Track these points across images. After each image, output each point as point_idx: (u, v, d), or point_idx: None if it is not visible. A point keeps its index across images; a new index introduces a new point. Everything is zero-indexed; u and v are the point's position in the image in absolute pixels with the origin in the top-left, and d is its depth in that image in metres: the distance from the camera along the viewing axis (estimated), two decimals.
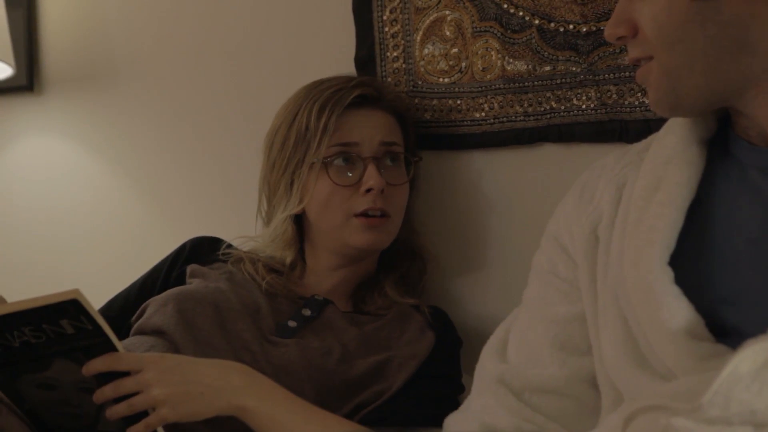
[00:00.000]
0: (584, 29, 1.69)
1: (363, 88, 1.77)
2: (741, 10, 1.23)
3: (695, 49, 1.23)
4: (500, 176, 1.82)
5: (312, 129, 1.73)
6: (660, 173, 1.34)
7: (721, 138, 1.36)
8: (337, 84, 1.77)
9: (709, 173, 1.33)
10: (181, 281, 1.78)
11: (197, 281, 1.75)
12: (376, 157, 1.74)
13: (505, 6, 1.77)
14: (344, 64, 1.92)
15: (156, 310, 1.68)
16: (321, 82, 1.79)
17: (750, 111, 1.27)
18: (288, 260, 1.78)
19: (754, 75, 1.24)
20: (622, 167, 1.41)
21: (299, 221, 1.80)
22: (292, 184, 1.76)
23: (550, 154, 1.76)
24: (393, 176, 1.76)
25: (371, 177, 1.72)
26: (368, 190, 1.72)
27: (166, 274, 1.81)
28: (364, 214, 1.72)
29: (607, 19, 1.65)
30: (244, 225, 1.87)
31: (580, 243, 1.40)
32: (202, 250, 1.83)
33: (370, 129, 1.75)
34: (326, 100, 1.74)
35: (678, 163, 1.33)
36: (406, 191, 1.79)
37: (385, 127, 1.77)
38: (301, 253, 1.81)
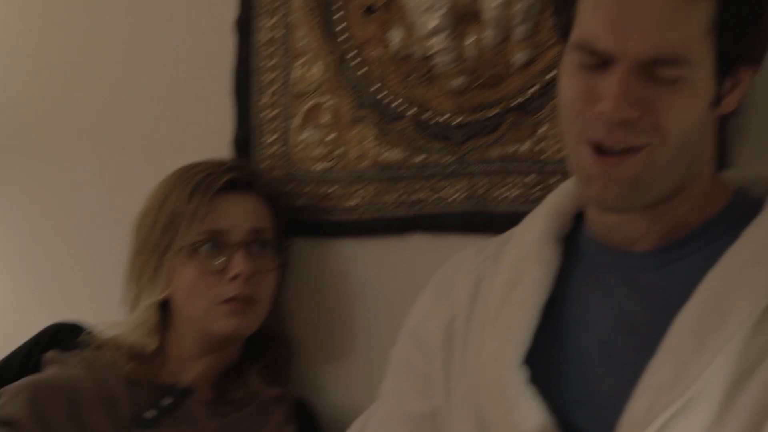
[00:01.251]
0: (457, 121, 1.70)
1: (235, 172, 1.75)
2: (710, 123, 1.26)
3: (686, 150, 1.24)
4: (370, 264, 1.81)
5: (181, 213, 1.71)
6: (517, 270, 1.34)
7: (577, 235, 1.37)
8: (209, 168, 1.75)
9: (565, 271, 1.35)
10: (37, 369, 1.73)
11: (54, 369, 1.71)
12: (245, 243, 1.72)
13: (382, 95, 1.78)
14: (221, 147, 1.91)
15: (8, 400, 1.63)
16: (193, 165, 1.77)
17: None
18: (151, 347, 1.75)
19: (686, 185, 1.26)
20: (480, 261, 1.42)
21: (165, 307, 1.76)
22: (158, 269, 1.73)
23: (420, 243, 1.76)
24: (262, 262, 1.74)
25: (239, 263, 1.70)
26: (235, 277, 1.70)
27: (23, 361, 1.77)
28: (230, 300, 1.70)
29: (480, 111, 1.67)
30: (108, 310, 1.82)
31: (437, 338, 1.41)
32: (62, 336, 1.79)
33: (240, 215, 1.74)
34: (197, 184, 1.72)
35: (534, 261, 1.34)
36: (274, 278, 1.77)
37: (256, 213, 1.75)
38: (165, 340, 1.77)
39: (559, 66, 1.27)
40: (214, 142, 1.92)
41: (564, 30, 1.27)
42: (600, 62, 1.21)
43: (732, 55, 1.21)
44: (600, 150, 1.22)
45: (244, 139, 1.92)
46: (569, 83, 1.24)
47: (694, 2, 1.18)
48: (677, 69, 1.19)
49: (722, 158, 1.42)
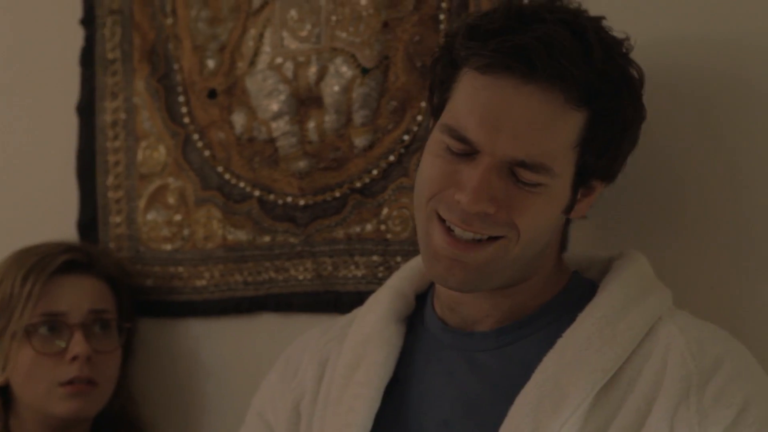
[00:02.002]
0: (302, 202, 1.74)
1: (71, 253, 1.77)
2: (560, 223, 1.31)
3: (535, 248, 1.28)
4: (219, 344, 1.82)
5: (16, 296, 1.71)
6: (360, 352, 1.37)
7: (420, 315, 1.41)
8: (44, 250, 1.77)
9: (408, 351, 1.38)
10: None
11: None
12: (84, 324, 1.73)
13: (227, 177, 1.81)
14: (66, 230, 1.90)
15: None
16: (29, 248, 1.78)
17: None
18: None
19: (529, 276, 1.31)
20: (325, 342, 1.44)
21: (5, 393, 1.75)
22: None
23: (268, 323, 1.78)
24: (102, 343, 1.75)
25: (77, 345, 1.71)
26: (74, 358, 1.70)
27: None
28: (70, 382, 1.69)
29: (324, 193, 1.71)
30: None
31: (282, 419, 1.42)
32: None
33: (78, 296, 1.75)
34: (31, 267, 1.73)
35: (377, 342, 1.37)
36: (116, 359, 1.78)
37: (94, 294, 1.77)
38: (7, 426, 1.76)
39: (427, 142, 1.30)
40: (61, 225, 1.92)
41: (436, 109, 1.30)
42: (466, 151, 1.24)
43: (591, 169, 1.27)
44: (452, 232, 1.25)
45: (90, 220, 1.92)
46: (432, 162, 1.27)
47: (565, 116, 1.23)
48: (540, 176, 1.23)
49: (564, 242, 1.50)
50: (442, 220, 1.26)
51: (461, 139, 1.24)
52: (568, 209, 1.29)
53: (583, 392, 1.21)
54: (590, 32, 1.24)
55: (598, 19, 1.29)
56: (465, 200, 1.22)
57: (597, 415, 1.21)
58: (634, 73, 1.29)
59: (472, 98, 1.24)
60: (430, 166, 1.27)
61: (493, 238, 1.25)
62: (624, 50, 1.29)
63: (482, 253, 1.25)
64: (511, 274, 1.29)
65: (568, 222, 1.36)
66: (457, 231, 1.25)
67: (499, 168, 1.23)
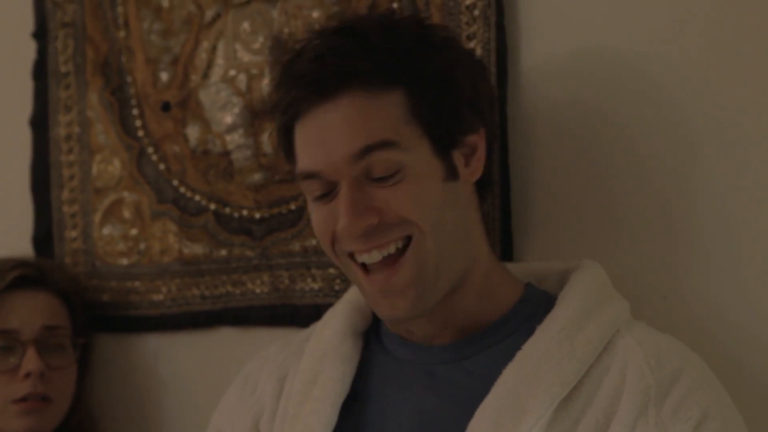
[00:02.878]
0: (257, 215, 1.74)
1: (22, 269, 1.76)
2: (468, 196, 1.32)
3: (446, 232, 1.27)
4: (177, 359, 1.82)
5: None
6: (317, 368, 1.37)
7: (376, 328, 1.41)
8: None
9: (365, 366, 1.38)
10: None
11: None
12: (37, 340, 1.72)
13: (182, 190, 1.80)
14: (21, 245, 1.89)
15: None
16: None
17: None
18: None
19: (467, 268, 1.31)
20: (284, 358, 1.44)
21: None
22: None
23: (226, 337, 1.78)
24: (56, 360, 1.74)
25: (30, 361, 1.70)
26: (27, 375, 1.69)
27: None
28: (23, 399, 1.69)
29: (279, 206, 1.71)
30: None
31: None
32: None
33: (30, 313, 1.74)
34: None
35: (333, 358, 1.37)
36: (71, 375, 1.77)
37: (47, 310, 1.76)
38: None
39: None
40: (16, 240, 1.91)
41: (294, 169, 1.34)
42: (327, 190, 1.28)
43: (443, 131, 1.28)
44: (366, 269, 1.28)
45: (45, 235, 1.91)
46: (314, 213, 1.31)
47: (377, 102, 1.25)
48: (389, 151, 1.25)
49: (507, 252, 1.51)
50: (350, 255, 1.29)
51: (310, 175, 1.28)
52: (451, 175, 1.29)
53: (542, 406, 1.21)
54: (361, 26, 1.28)
55: (386, 13, 1.37)
56: (345, 224, 1.25)
57: (557, 429, 1.22)
58: (435, 32, 1.32)
59: (301, 140, 1.30)
60: (314, 218, 1.32)
61: (403, 248, 1.26)
62: (416, 20, 1.34)
63: (405, 268, 1.26)
64: (444, 275, 1.28)
65: (483, 193, 1.36)
66: (367, 258, 1.28)
67: (358, 182, 1.26)
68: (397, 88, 1.26)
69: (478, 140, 1.32)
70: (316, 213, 1.30)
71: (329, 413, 1.33)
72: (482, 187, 1.36)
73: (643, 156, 1.44)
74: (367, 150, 1.25)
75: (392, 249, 1.27)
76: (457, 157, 1.29)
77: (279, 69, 1.32)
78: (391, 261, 1.27)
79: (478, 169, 1.32)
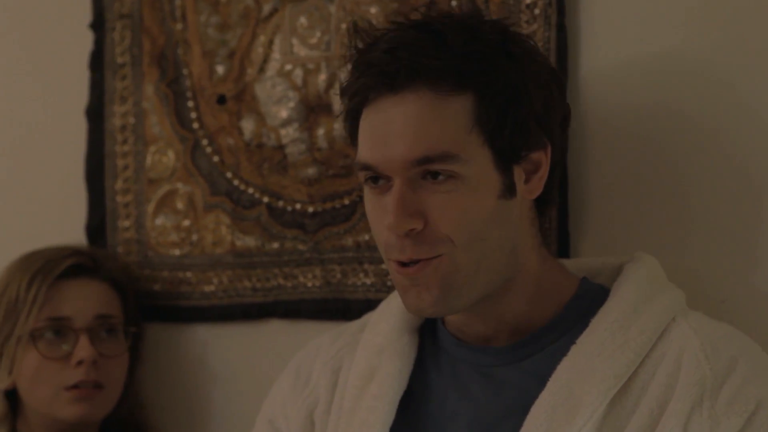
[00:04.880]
0: (311, 209, 1.75)
1: (77, 257, 1.78)
2: (523, 212, 1.30)
3: (487, 247, 1.27)
4: (227, 350, 1.83)
5: (21, 301, 1.72)
6: (374, 362, 1.37)
7: (431, 325, 1.41)
8: (49, 254, 1.77)
9: (421, 362, 1.38)
10: None
11: None
12: (89, 328, 1.74)
13: (236, 183, 1.81)
14: (75, 234, 1.91)
15: None
16: (34, 252, 1.79)
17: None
18: None
19: (511, 276, 1.30)
20: (337, 350, 1.44)
21: (13, 397, 1.76)
22: (0, 358, 1.73)
23: (276, 330, 1.79)
24: (108, 348, 1.76)
25: (82, 349, 1.72)
26: (80, 362, 1.71)
27: None
28: (75, 386, 1.71)
29: (333, 200, 1.72)
30: None
31: (295, 427, 1.42)
32: None
33: (83, 301, 1.76)
34: (36, 271, 1.74)
35: (390, 353, 1.37)
36: (123, 363, 1.79)
37: (100, 299, 1.77)
38: (15, 430, 1.77)
39: None
40: (70, 229, 1.92)
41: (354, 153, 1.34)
42: (377, 176, 1.28)
43: (507, 145, 1.27)
44: (401, 263, 1.28)
45: (98, 224, 1.92)
46: (367, 200, 1.31)
47: (445, 106, 1.25)
48: (448, 164, 1.24)
49: (567, 249, 1.51)
50: (393, 261, 1.30)
51: (366, 167, 1.28)
52: (508, 193, 1.28)
53: (596, 400, 1.21)
54: (441, 25, 1.27)
55: (470, 13, 1.35)
56: (392, 221, 1.25)
57: (612, 422, 1.21)
58: (515, 42, 1.30)
59: (364, 129, 1.30)
60: (366, 204, 1.32)
61: (433, 258, 1.26)
62: (498, 26, 1.31)
63: (432, 270, 1.26)
64: (484, 279, 1.27)
65: (542, 209, 1.35)
66: (402, 261, 1.28)
67: (411, 180, 1.25)
68: (466, 93, 1.25)
69: (542, 157, 1.30)
70: (369, 199, 1.31)
71: (387, 410, 1.33)
72: (540, 204, 1.34)
73: (705, 158, 1.44)
74: (426, 161, 1.24)
75: (426, 257, 1.27)
76: (518, 172, 1.28)
77: (354, 54, 1.31)
78: (419, 261, 1.27)
79: (537, 188, 1.31)
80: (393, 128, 1.26)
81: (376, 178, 1.28)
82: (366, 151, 1.29)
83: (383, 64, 1.25)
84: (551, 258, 1.39)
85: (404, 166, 1.25)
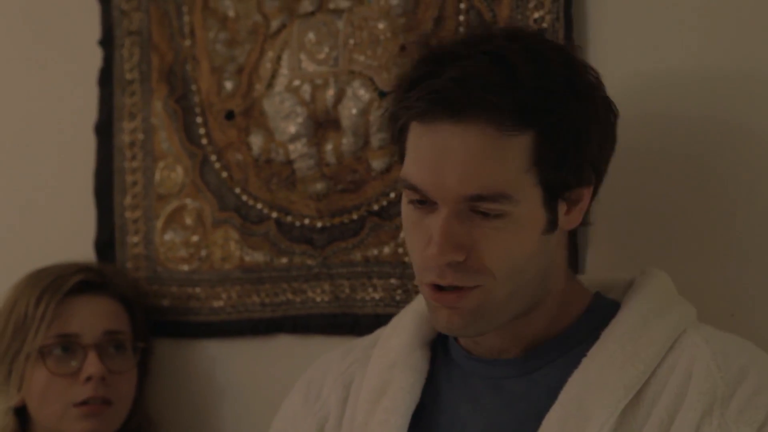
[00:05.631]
0: (319, 224, 1.75)
1: (85, 273, 1.78)
2: (560, 240, 1.30)
3: (524, 280, 1.27)
4: (236, 365, 1.83)
5: (30, 317, 1.73)
6: (386, 377, 1.37)
7: (443, 339, 1.41)
8: (57, 271, 1.78)
9: (433, 376, 1.37)
10: None
11: None
12: (98, 345, 1.74)
13: (244, 198, 1.82)
14: (83, 250, 1.91)
15: None
16: (43, 269, 1.80)
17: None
18: None
19: (540, 299, 1.30)
20: (348, 364, 1.44)
21: (23, 414, 1.77)
22: (10, 374, 1.74)
23: (285, 345, 1.79)
24: (117, 364, 1.76)
25: (91, 365, 1.72)
26: (88, 379, 1.71)
27: None
28: (84, 403, 1.71)
29: (342, 215, 1.72)
30: None
31: None
32: None
33: (92, 317, 1.76)
34: (45, 288, 1.75)
35: (402, 368, 1.36)
36: (131, 379, 1.79)
37: (109, 315, 1.78)
38: None
39: None
40: (79, 244, 1.93)
41: (401, 158, 1.31)
42: (425, 199, 1.25)
43: (559, 183, 1.25)
44: (437, 286, 1.26)
45: (107, 240, 1.93)
46: (405, 213, 1.29)
47: (506, 144, 1.22)
48: (500, 204, 1.22)
49: (576, 264, 1.50)
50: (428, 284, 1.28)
51: (414, 188, 1.26)
52: (551, 228, 1.27)
53: (606, 412, 1.21)
54: (512, 54, 1.23)
55: (535, 34, 1.31)
56: (434, 252, 1.23)
57: None
58: (581, 77, 1.28)
59: (416, 148, 1.26)
60: (405, 218, 1.29)
61: (472, 288, 1.25)
62: (565, 57, 1.28)
63: (469, 299, 1.25)
64: (510, 311, 1.28)
65: (573, 235, 1.35)
66: (439, 284, 1.26)
67: (459, 212, 1.23)
68: (529, 131, 1.22)
69: (586, 193, 1.29)
70: (408, 213, 1.27)
71: (400, 424, 1.33)
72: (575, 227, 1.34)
73: (715, 172, 1.44)
74: (479, 198, 1.22)
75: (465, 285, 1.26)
76: (561, 205, 1.28)
77: (417, 65, 1.27)
78: (457, 288, 1.26)
79: (577, 220, 1.31)
80: (450, 157, 1.22)
81: (422, 202, 1.26)
82: (416, 171, 1.26)
83: (449, 91, 1.21)
84: (573, 276, 1.39)
85: (456, 199, 1.23)
